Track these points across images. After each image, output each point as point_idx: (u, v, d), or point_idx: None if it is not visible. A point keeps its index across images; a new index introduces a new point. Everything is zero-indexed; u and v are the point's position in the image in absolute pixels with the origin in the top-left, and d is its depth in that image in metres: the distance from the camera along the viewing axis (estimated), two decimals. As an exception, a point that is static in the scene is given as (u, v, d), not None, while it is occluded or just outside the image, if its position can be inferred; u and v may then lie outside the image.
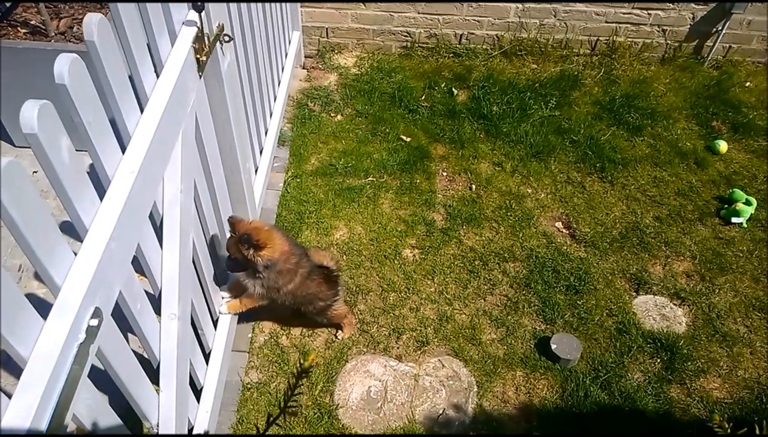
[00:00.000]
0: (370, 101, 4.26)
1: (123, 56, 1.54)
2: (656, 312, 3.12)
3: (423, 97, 4.31)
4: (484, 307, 3.10)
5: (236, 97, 2.28)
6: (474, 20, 4.40)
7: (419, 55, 4.63)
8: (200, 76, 1.90)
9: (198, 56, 1.85)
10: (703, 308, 3.14)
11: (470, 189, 3.72)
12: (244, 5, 2.61)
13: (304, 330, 2.96)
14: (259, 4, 2.99)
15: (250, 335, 2.92)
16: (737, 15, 4.34)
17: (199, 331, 2.36)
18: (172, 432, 1.86)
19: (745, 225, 3.54)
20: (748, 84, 4.62)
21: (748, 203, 3.57)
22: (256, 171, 3.22)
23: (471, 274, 3.25)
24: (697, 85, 4.53)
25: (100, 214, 1.29)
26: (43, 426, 1.03)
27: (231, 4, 2.32)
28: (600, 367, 2.86)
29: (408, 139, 4.00)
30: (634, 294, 3.21)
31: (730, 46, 4.59)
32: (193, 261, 2.16)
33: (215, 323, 2.58)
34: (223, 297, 2.63)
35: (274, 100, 3.70)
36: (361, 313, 3.04)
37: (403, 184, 3.71)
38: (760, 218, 3.59)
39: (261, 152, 3.36)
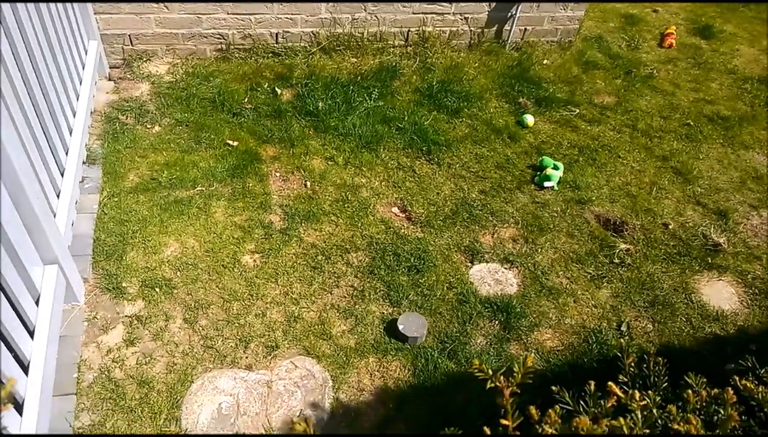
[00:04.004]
0: (190, 108, 4.04)
1: None
2: (490, 278, 3.32)
3: (246, 100, 4.19)
4: (332, 301, 3.09)
5: (5, 113, 2.00)
6: (287, 18, 4.37)
7: (237, 57, 4.49)
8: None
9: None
10: (529, 267, 3.40)
11: (305, 186, 3.69)
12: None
13: (140, 357, 2.72)
14: (30, 10, 2.68)
15: (75, 375, 2.61)
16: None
17: (3, 380, 2.05)
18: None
19: (556, 188, 3.92)
20: (545, 61, 5.12)
21: (556, 168, 3.95)
22: (58, 195, 2.89)
23: (315, 270, 3.21)
24: (502, 67, 4.92)
25: None
26: None
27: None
28: (446, 339, 2.97)
29: (235, 144, 3.86)
30: (469, 264, 3.39)
31: (525, 29, 5.05)
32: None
33: (26, 369, 2.26)
34: None
35: (73, 115, 3.35)
36: (203, 329, 2.86)
37: (235, 190, 3.57)
38: (568, 180, 3.99)
39: (63, 173, 3.02)
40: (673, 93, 5.04)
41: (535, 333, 3.09)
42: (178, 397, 2.61)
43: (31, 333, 2.34)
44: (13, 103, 2.23)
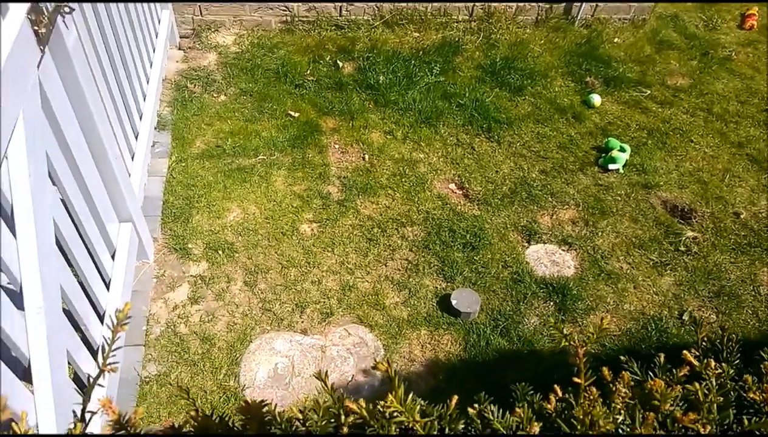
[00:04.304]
0: (254, 79, 4.13)
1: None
2: (547, 259, 3.28)
3: (308, 72, 4.24)
4: (386, 273, 3.12)
5: (90, 75, 2.11)
6: (352, -10, 4.38)
7: (301, 30, 4.54)
8: (42, 50, 1.74)
9: (36, 28, 1.68)
10: (588, 251, 3.33)
11: (363, 159, 3.72)
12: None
13: (204, 315, 2.84)
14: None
15: (144, 327, 2.77)
16: (599, -25, 4.60)
17: (82, 327, 2.20)
18: (53, 433, 1.71)
19: (621, 170, 3.79)
20: (616, 40, 4.92)
21: (622, 150, 3.82)
22: (133, 157, 3.03)
23: (370, 242, 3.25)
24: (569, 44, 4.77)
25: None
26: None
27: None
28: (499, 316, 2.96)
29: (296, 115, 3.93)
30: (526, 244, 3.35)
31: (596, 5, 4.87)
32: (64, 253, 2.00)
33: (101, 318, 2.41)
34: None
35: (147, 82, 3.49)
36: (262, 293, 2.97)
37: (295, 160, 3.64)
38: (634, 163, 3.85)
39: (137, 137, 3.16)
40: (752, 77, 4.76)
41: (592, 316, 3.04)
42: (238, 355, 2.73)
43: (107, 286, 2.48)
44: (98, 70, 2.34)
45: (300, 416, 0.72)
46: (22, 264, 1.62)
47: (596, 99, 4.28)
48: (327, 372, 0.73)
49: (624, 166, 3.80)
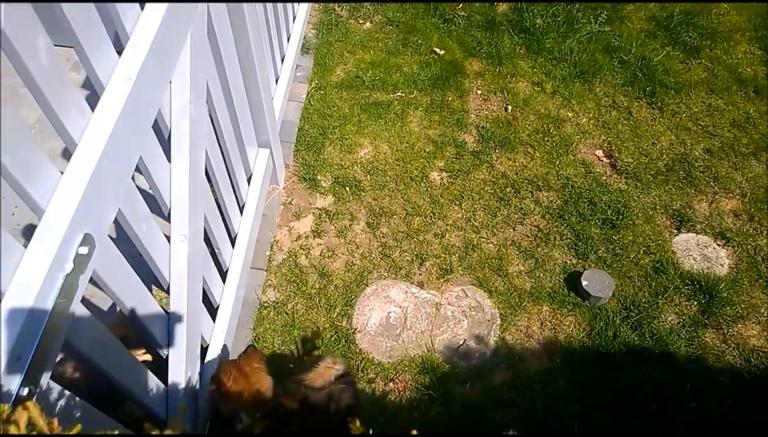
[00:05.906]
0: (402, 8, 3.92)
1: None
2: (698, 252, 2.93)
3: (460, 5, 3.95)
4: (513, 237, 2.94)
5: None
6: None
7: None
8: (211, -32, 1.66)
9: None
10: (748, 250, 2.93)
11: (506, 110, 3.46)
12: None
13: (324, 250, 2.85)
14: None
15: (268, 253, 2.83)
16: None
17: (216, 250, 2.25)
18: (183, 351, 1.78)
19: (803, 162, 3.26)
20: (824, 3, 4.13)
21: (810, 138, 3.26)
22: (276, 81, 2.99)
23: (501, 202, 3.06)
24: (763, 4, 4.06)
25: (91, 128, 1.13)
26: (24, 362, 0.92)
27: None
28: (632, 307, 2.71)
29: (441, 52, 3.70)
30: (675, 231, 3.00)
31: (811, -42, 4.07)
32: (208, 177, 2.01)
33: (233, 241, 2.47)
34: None
35: (298, 2, 3.40)
36: (383, 237, 2.91)
37: (433, 101, 3.46)
38: (821, 156, 3.29)
39: (282, 60, 3.11)
40: None
41: (739, 325, 2.70)
42: (353, 296, 2.72)
43: (241, 209, 2.52)
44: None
45: None
46: (173, 190, 1.63)
47: (787, 72, 3.65)
48: None
49: (809, 158, 3.26)
